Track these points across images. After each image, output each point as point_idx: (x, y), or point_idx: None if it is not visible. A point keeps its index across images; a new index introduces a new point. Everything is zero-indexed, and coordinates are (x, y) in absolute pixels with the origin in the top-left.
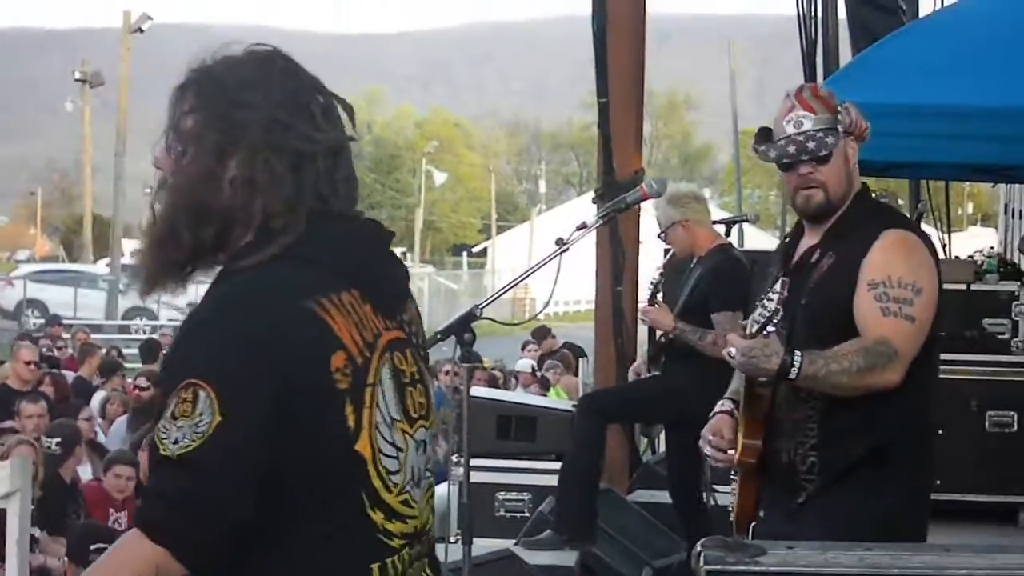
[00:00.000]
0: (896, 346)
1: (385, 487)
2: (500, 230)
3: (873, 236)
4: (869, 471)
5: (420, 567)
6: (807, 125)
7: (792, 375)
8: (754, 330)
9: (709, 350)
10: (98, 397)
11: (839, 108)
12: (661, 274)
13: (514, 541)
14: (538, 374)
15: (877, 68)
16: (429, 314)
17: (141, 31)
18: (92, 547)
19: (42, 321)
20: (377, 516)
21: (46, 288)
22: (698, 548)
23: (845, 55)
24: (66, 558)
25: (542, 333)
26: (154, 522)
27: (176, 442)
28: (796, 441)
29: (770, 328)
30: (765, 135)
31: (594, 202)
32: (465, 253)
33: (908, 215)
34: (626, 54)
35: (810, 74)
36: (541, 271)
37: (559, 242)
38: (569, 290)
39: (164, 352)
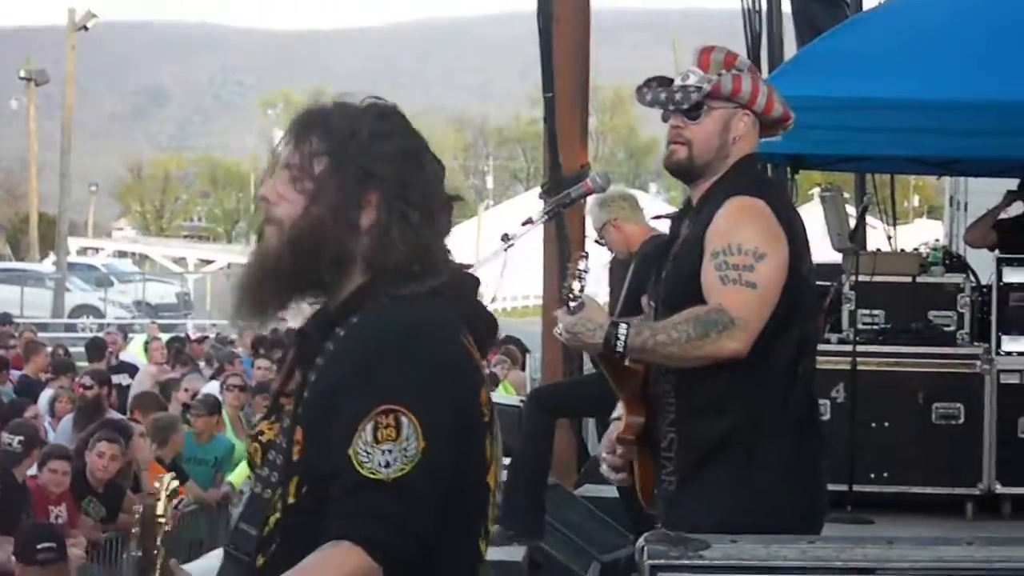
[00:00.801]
0: (734, 314)
1: (492, 519)
2: None
3: (719, 205)
4: (733, 451)
5: None
6: (691, 80)
7: (619, 347)
8: (564, 308)
9: None
10: (46, 395)
11: (723, 72)
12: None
13: None
14: (487, 370)
15: (822, 61)
16: None
17: (86, 28)
18: (39, 546)
19: None
20: (483, 546)
21: None
22: (641, 542)
23: (790, 49)
24: (14, 558)
25: None
26: (375, 540)
27: (388, 465)
28: (659, 416)
29: (572, 303)
30: (659, 82)
31: (541, 197)
32: None
33: (854, 208)
34: (571, 49)
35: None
36: (487, 266)
37: (505, 238)
38: (516, 286)
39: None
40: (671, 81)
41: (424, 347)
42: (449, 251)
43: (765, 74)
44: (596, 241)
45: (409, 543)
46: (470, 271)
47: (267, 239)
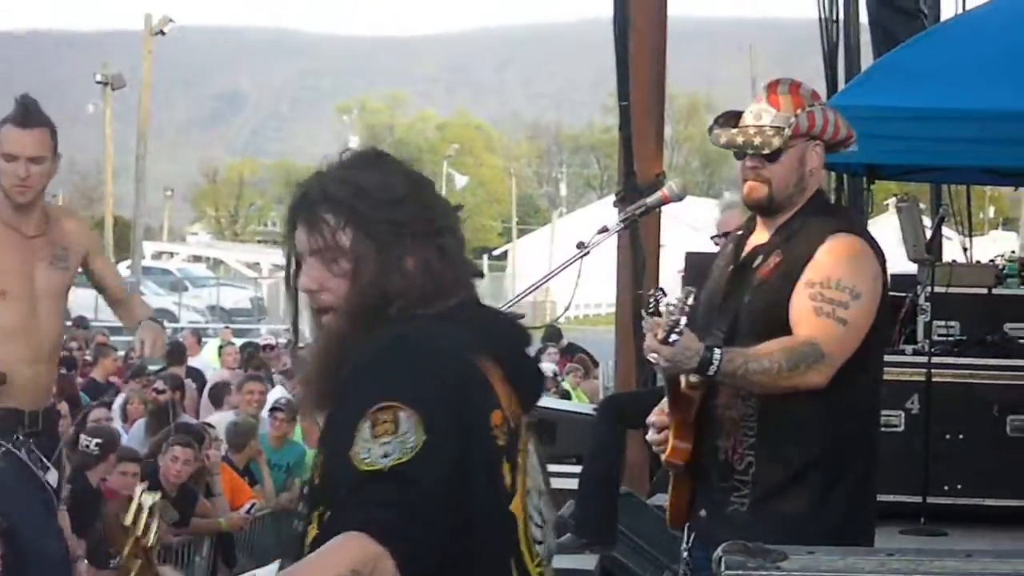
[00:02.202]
0: (823, 348)
1: (530, 555)
2: (520, 233)
3: (820, 239)
4: (812, 479)
5: None
6: (765, 120)
7: (711, 372)
8: (661, 337)
9: None
10: (120, 398)
11: (799, 112)
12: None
13: None
14: (559, 378)
15: (898, 72)
16: None
17: (163, 33)
18: (112, 550)
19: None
20: None
21: None
22: (719, 553)
23: (867, 59)
24: (86, 561)
25: (554, 336)
26: (382, 524)
27: (386, 456)
28: (734, 439)
29: (674, 337)
30: (729, 118)
31: (615, 205)
32: (486, 256)
33: (930, 219)
34: (647, 57)
35: (831, 77)
36: (562, 274)
37: (580, 246)
38: (590, 294)
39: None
40: (739, 115)
41: (424, 354)
42: (472, 269)
43: (842, 84)
44: (714, 238)
45: (416, 529)
46: (515, 315)
47: (328, 327)
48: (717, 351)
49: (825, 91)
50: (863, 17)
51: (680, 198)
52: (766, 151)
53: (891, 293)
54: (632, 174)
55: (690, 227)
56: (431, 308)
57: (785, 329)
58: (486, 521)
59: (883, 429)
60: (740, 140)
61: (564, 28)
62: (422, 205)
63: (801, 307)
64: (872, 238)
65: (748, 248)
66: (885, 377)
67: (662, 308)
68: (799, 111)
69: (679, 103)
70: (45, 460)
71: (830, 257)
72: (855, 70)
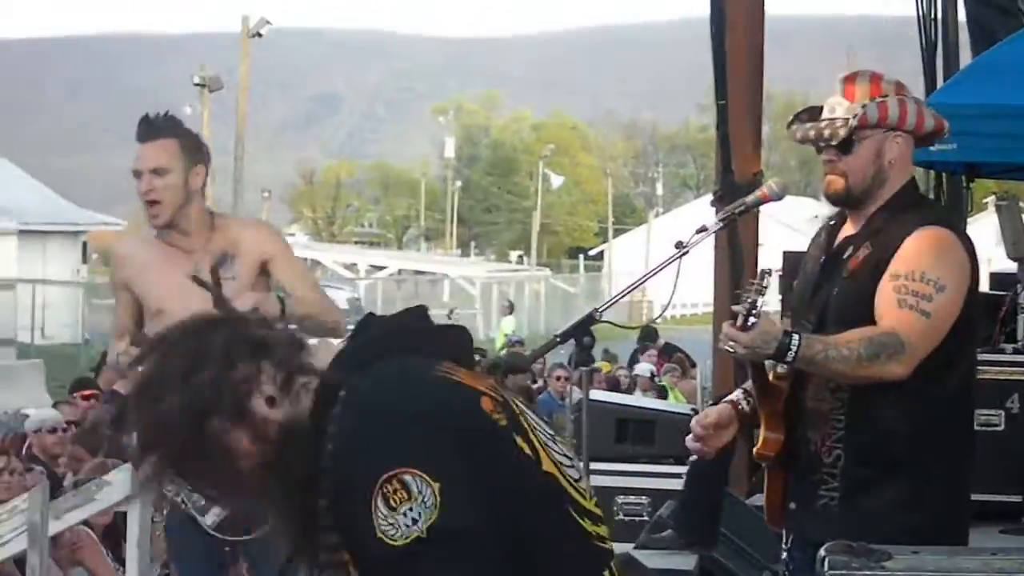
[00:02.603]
0: (904, 339)
1: (580, 494)
2: (617, 233)
3: (908, 231)
4: (901, 474)
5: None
6: (838, 112)
7: (789, 358)
8: (739, 323)
9: None
10: None
11: (869, 103)
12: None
13: (633, 545)
14: (656, 378)
15: (997, 70)
16: (546, 318)
17: (259, 35)
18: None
19: None
20: (586, 523)
21: None
22: (822, 553)
23: (966, 57)
24: None
25: (649, 336)
26: None
27: (415, 522)
28: (822, 432)
29: (752, 320)
30: (808, 114)
31: (713, 204)
32: (582, 256)
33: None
34: (745, 55)
35: (930, 75)
36: (659, 274)
37: (679, 245)
38: (687, 293)
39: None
40: (820, 110)
41: (400, 406)
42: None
43: (940, 82)
44: None
45: (483, 571)
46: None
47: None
48: (796, 337)
49: (924, 89)
50: (961, 15)
51: (780, 197)
52: (834, 143)
53: (991, 292)
54: (730, 173)
55: (787, 226)
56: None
57: (872, 322)
58: (532, 498)
59: (983, 428)
60: (812, 134)
61: (659, 27)
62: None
63: (885, 298)
64: (963, 230)
65: (839, 239)
66: (985, 376)
67: (743, 297)
68: (868, 101)
69: (777, 102)
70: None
71: (916, 249)
72: (953, 68)
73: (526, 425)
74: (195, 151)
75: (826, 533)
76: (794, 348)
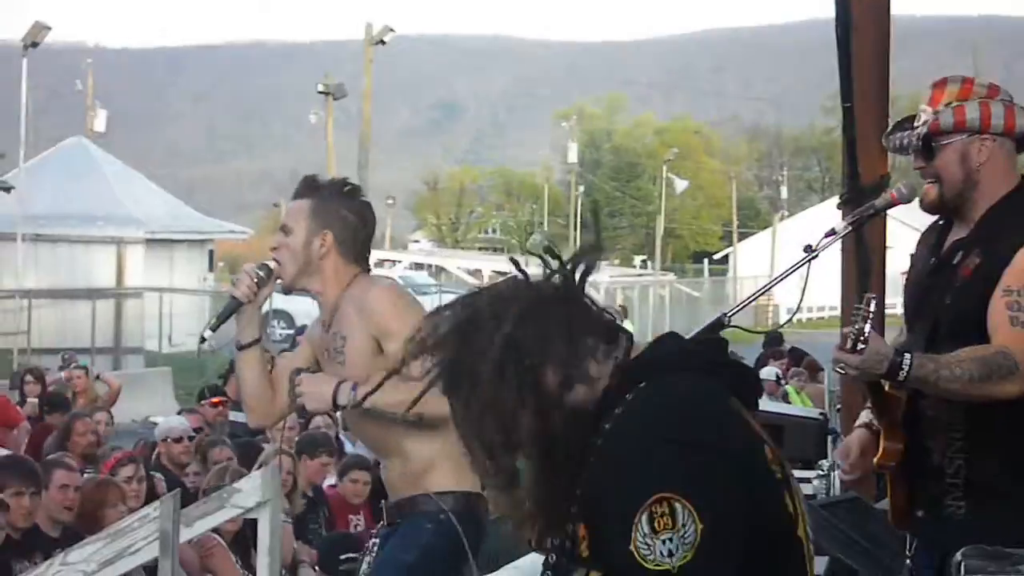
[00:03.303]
0: (1018, 358)
1: (810, 567)
2: (741, 237)
3: (1021, 241)
4: (1022, 483)
5: None
6: (921, 119)
7: (900, 377)
8: (848, 346)
9: None
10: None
11: (943, 108)
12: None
13: None
14: (781, 382)
15: None
16: (670, 322)
17: (383, 43)
18: (341, 556)
19: (290, 332)
20: None
21: (292, 300)
22: (958, 557)
23: None
24: (317, 567)
25: (774, 341)
26: None
27: (671, 554)
28: (942, 441)
29: (861, 345)
30: (903, 123)
31: (839, 207)
32: (706, 260)
33: None
34: (870, 57)
35: None
36: (789, 278)
37: (808, 249)
38: (813, 297)
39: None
40: (914, 118)
41: (677, 426)
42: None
43: None
44: None
45: None
46: (712, 337)
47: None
48: (908, 356)
49: None
50: None
51: (909, 200)
52: (910, 151)
53: None
54: (856, 176)
55: (915, 230)
56: (667, 369)
57: (983, 333)
58: (781, 558)
59: None
60: (897, 144)
61: (781, 30)
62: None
63: (997, 315)
64: None
65: (949, 241)
66: None
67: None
68: (942, 107)
69: (902, 104)
70: None
71: None
72: None
73: (793, 485)
74: (325, 215)
75: (955, 541)
76: (906, 368)
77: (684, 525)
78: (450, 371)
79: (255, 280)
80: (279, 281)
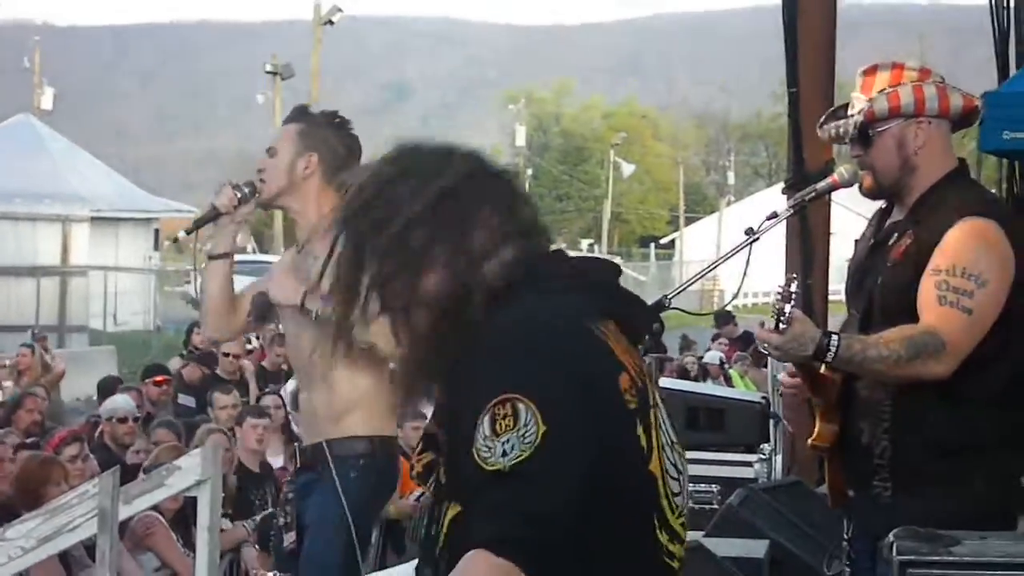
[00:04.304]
0: (945, 337)
1: (671, 508)
2: (688, 221)
3: (951, 221)
4: (946, 465)
5: None
6: (856, 107)
7: (828, 358)
8: (772, 325)
9: None
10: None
11: (877, 94)
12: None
13: (703, 533)
14: (725, 366)
15: None
16: None
17: (331, 23)
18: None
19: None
20: (663, 538)
21: (237, 279)
22: (890, 539)
23: None
24: (257, 546)
25: (724, 319)
26: (506, 536)
27: (505, 454)
28: (872, 422)
29: (783, 325)
30: (838, 112)
31: (784, 192)
32: (653, 244)
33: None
34: (817, 44)
35: (1002, 63)
36: (730, 262)
37: (749, 232)
38: (757, 281)
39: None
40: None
41: (532, 337)
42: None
43: (1013, 71)
44: None
45: (537, 530)
46: (603, 258)
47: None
48: (835, 338)
49: (997, 77)
50: None
51: (851, 183)
52: (847, 140)
53: None
54: (801, 161)
55: (860, 215)
56: (535, 285)
57: (914, 314)
58: (626, 488)
59: None
60: (832, 133)
61: (732, 15)
62: (476, 187)
63: (926, 295)
64: (1008, 220)
65: (887, 224)
66: None
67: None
68: (876, 94)
69: (848, 90)
70: None
71: (957, 242)
72: None
73: (653, 420)
74: (312, 138)
75: (881, 521)
76: (833, 349)
77: (526, 425)
78: (387, 197)
79: (237, 195)
80: (259, 196)
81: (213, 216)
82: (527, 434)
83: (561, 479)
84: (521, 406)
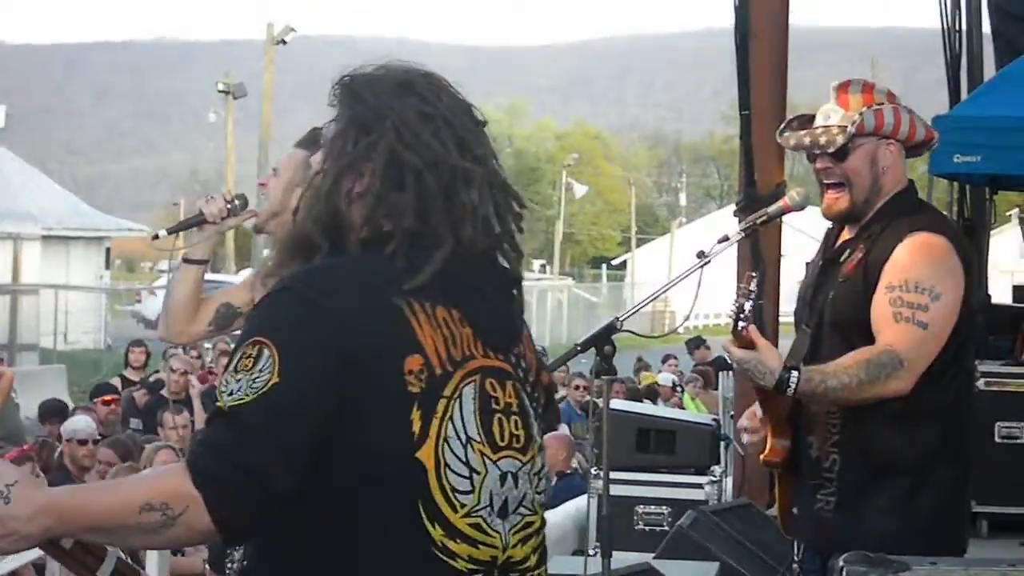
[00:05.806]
0: (902, 355)
1: (448, 503)
2: (640, 243)
3: (901, 236)
4: (894, 481)
5: None
6: (833, 119)
7: (788, 392)
8: (738, 326)
9: None
10: None
11: (865, 110)
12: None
13: (653, 555)
14: (677, 389)
15: (1020, 82)
16: (568, 327)
17: (284, 43)
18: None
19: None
20: (436, 531)
21: None
22: (840, 563)
23: (990, 69)
24: (208, 566)
25: (695, 343)
26: (200, 468)
27: (231, 394)
28: (821, 436)
29: (740, 322)
30: (802, 122)
31: (735, 215)
32: (605, 266)
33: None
34: (769, 66)
35: (954, 87)
36: (681, 284)
37: (700, 255)
38: (709, 304)
39: None
40: (812, 118)
41: (314, 290)
42: (468, 224)
43: (964, 95)
44: None
45: (234, 475)
46: (496, 258)
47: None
48: (795, 372)
49: (948, 101)
50: (986, 27)
51: (801, 207)
52: (831, 149)
53: (1014, 304)
54: (753, 184)
55: (811, 237)
56: (380, 242)
57: (864, 328)
58: (383, 467)
59: (1004, 440)
60: (807, 140)
61: (683, 38)
62: (409, 136)
63: (881, 312)
64: (957, 235)
65: (838, 243)
66: (1006, 389)
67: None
68: (864, 109)
69: (802, 111)
70: None
71: (908, 257)
72: (977, 80)
73: (441, 409)
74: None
75: (820, 538)
76: (792, 384)
77: (261, 371)
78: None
79: (227, 206)
80: (253, 219)
81: (198, 222)
82: (258, 380)
83: (279, 431)
84: (266, 351)
